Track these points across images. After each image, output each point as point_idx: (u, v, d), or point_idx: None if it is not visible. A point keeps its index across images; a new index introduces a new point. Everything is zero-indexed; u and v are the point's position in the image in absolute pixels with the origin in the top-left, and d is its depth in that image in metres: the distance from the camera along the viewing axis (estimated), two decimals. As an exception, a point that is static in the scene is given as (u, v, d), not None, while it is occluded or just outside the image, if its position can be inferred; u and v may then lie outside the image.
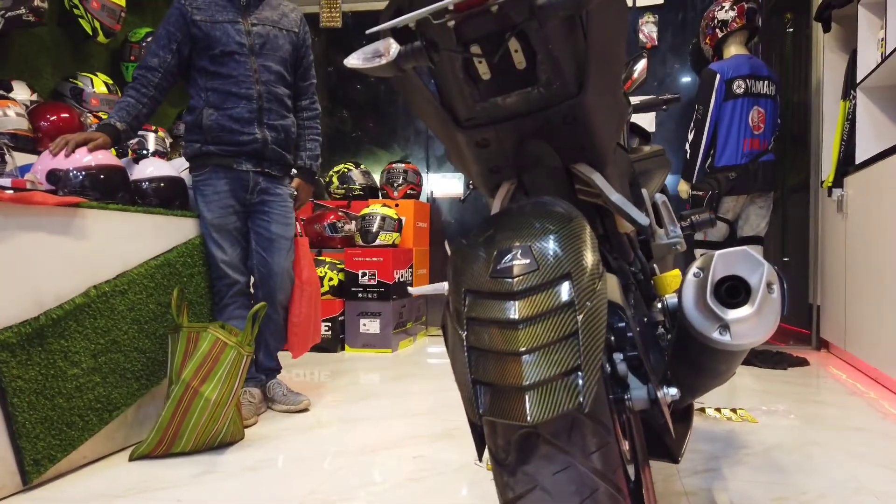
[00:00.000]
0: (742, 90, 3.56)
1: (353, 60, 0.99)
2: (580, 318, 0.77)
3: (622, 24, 1.15)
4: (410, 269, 4.31)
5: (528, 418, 0.74)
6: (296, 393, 2.56)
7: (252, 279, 2.57)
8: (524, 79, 1.04)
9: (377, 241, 4.04)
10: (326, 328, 3.94)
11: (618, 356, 0.98)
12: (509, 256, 0.83)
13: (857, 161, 3.25)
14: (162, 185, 2.37)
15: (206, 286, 2.41)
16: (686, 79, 4.48)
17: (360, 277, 3.99)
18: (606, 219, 1.37)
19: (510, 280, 0.80)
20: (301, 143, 2.68)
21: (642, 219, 1.14)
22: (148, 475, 1.82)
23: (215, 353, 2.01)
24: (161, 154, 3.28)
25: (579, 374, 0.74)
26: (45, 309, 1.75)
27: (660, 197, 1.29)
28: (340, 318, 3.99)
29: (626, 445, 0.93)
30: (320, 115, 2.77)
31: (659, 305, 1.34)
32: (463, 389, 0.80)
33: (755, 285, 0.98)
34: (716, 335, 1.00)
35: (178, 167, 2.50)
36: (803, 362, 3.50)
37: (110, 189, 2.10)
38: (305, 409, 2.52)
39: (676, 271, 1.37)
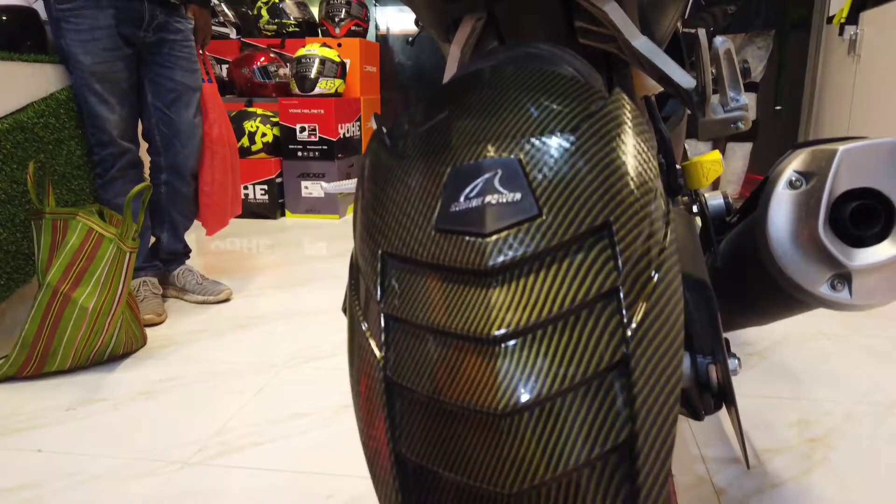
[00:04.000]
0: None
1: None
2: (633, 325, 0.33)
3: None
4: (358, 123, 3.76)
5: None
6: (213, 280, 2.14)
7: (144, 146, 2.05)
8: None
9: (316, 90, 3.45)
10: (262, 192, 3.45)
11: None
12: (478, 184, 0.37)
13: (883, -9, 2.74)
14: (4, 18, 1.76)
15: (83, 154, 1.89)
16: None
17: (298, 133, 3.44)
18: (616, 72, 0.91)
19: (479, 239, 0.35)
20: None
21: (684, 79, 0.68)
22: (7, 408, 1.42)
23: (89, 248, 1.54)
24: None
25: (635, 455, 0.32)
26: None
27: (721, 42, 0.80)
28: (278, 180, 3.48)
29: None
30: None
31: (695, 208, 0.92)
32: (377, 476, 0.38)
33: None
34: (824, 290, 0.59)
35: (26, -7, 1.87)
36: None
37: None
38: (226, 300, 2.11)
39: (716, 154, 0.92)
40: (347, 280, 0.45)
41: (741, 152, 3.31)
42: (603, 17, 0.64)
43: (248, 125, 3.39)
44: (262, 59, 3.59)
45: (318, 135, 3.43)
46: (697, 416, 0.80)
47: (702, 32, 0.92)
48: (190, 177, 2.09)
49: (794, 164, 0.61)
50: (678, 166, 0.94)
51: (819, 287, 0.58)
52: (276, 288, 2.28)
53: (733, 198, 3.44)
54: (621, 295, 0.33)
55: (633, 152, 0.39)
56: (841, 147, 0.57)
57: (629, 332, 0.33)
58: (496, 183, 0.37)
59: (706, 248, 0.92)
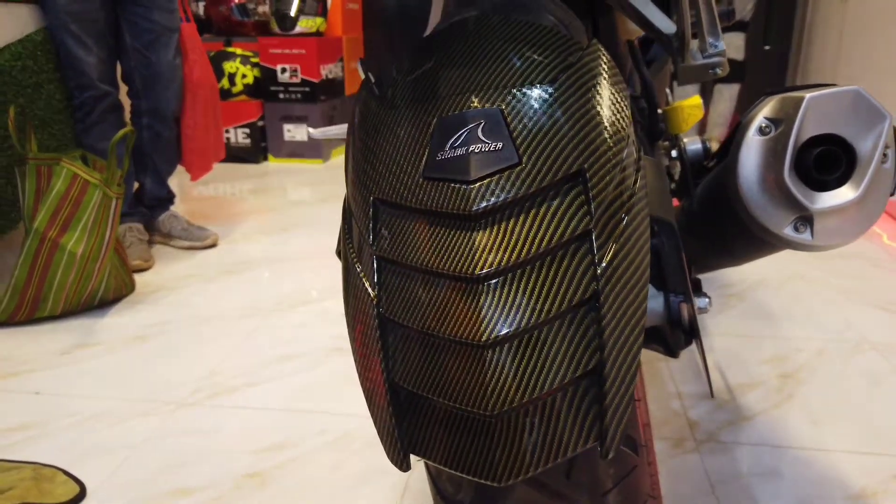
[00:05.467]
0: None
1: None
2: (603, 264, 0.37)
3: None
4: (341, 63, 3.69)
5: (499, 472, 0.37)
6: (198, 226, 2.15)
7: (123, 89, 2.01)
8: None
9: (297, 29, 3.37)
10: (244, 135, 3.41)
11: None
12: (463, 133, 0.40)
13: (874, -73, 2.69)
14: (-28, -46, 1.69)
15: (62, 98, 1.85)
16: None
17: (279, 74, 3.38)
18: (600, 17, 0.91)
19: (464, 185, 0.38)
20: None
21: (665, 23, 0.69)
22: (1, 352, 1.44)
23: (75, 194, 1.54)
24: None
25: (603, 381, 0.36)
26: None
27: None
28: (260, 123, 3.44)
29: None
30: None
31: (674, 153, 0.94)
32: (373, 403, 0.41)
33: (865, 153, 0.59)
34: (788, 231, 0.62)
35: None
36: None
37: None
38: (213, 245, 2.12)
39: (697, 99, 0.94)
40: (341, 224, 0.47)
41: (728, 94, 3.30)
42: None
43: (228, 66, 3.32)
44: (241, -4, 3.48)
45: (299, 76, 3.37)
46: (672, 354, 0.84)
47: None
48: (172, 120, 2.06)
49: (765, 110, 0.64)
50: (659, 111, 0.96)
51: (783, 229, 0.62)
52: (261, 233, 2.29)
53: (720, 140, 3.47)
54: (593, 237, 0.37)
55: (607, 102, 0.42)
56: (808, 94, 0.59)
57: (599, 271, 0.36)
58: (479, 133, 0.40)
59: (685, 191, 0.95)
